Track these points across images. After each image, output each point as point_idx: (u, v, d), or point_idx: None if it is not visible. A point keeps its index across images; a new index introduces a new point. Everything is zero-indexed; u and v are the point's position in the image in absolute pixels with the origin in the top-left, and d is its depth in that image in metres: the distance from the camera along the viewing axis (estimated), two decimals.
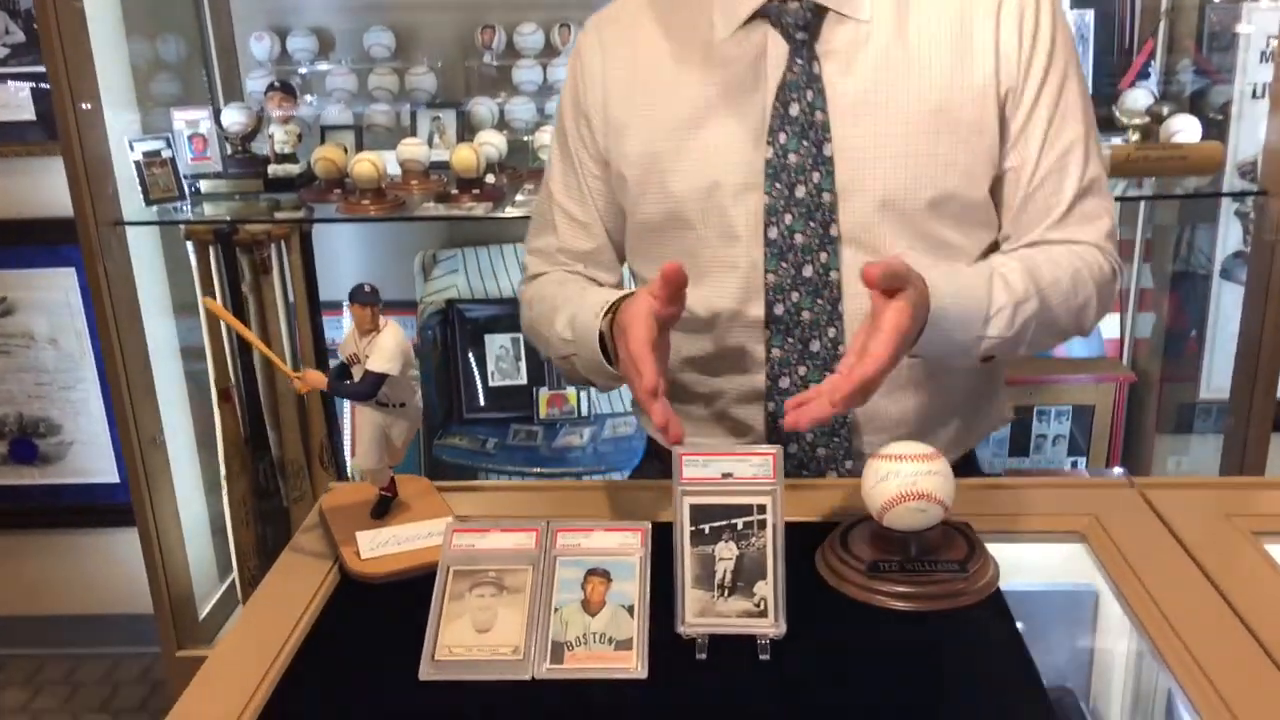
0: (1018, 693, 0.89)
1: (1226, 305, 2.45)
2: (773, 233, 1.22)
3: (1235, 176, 2.19)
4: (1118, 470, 2.44)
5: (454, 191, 2.10)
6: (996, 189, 1.25)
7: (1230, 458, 2.25)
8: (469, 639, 0.92)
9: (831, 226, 1.21)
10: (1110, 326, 2.55)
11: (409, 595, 1.00)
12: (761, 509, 0.94)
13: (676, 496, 0.95)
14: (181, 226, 2.21)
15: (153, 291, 2.31)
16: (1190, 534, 1.11)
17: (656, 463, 1.43)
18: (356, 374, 1.02)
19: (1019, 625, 0.97)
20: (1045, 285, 1.18)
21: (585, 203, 1.35)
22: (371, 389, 1.00)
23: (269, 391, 2.31)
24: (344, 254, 2.52)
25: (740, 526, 0.94)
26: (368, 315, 0.99)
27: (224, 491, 2.38)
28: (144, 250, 2.27)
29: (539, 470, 2.42)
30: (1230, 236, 2.45)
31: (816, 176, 1.20)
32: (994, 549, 1.06)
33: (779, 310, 1.24)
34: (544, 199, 1.40)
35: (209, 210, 2.22)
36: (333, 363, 1.07)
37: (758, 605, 0.93)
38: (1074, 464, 2.50)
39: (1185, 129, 2.13)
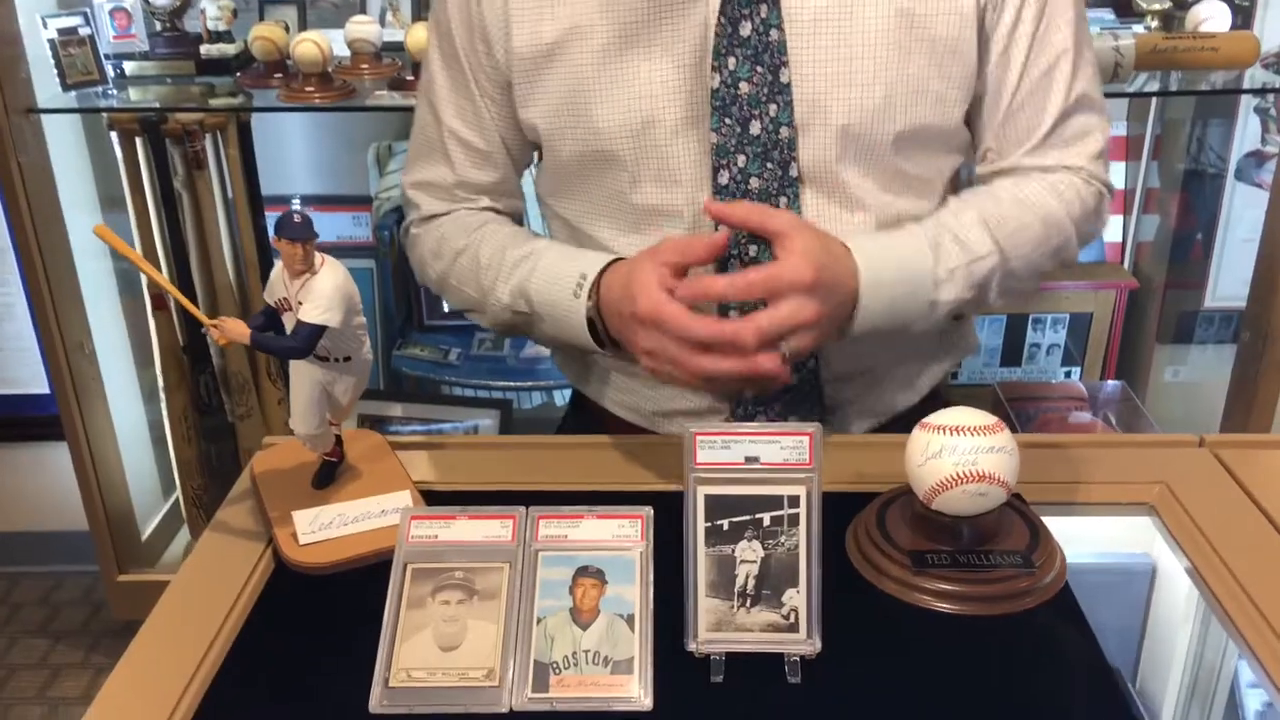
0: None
1: (1238, 208, 2.32)
2: (724, 177, 1.03)
3: (1258, 68, 2.02)
4: (1112, 383, 2.32)
5: (409, 77, 1.88)
6: (975, 108, 1.10)
7: (1244, 372, 2.12)
8: (432, 659, 0.75)
9: (791, 166, 1.03)
10: (1113, 230, 2.42)
11: (358, 593, 0.83)
12: (794, 501, 0.76)
13: (689, 486, 0.77)
14: (104, 114, 1.97)
15: (75, 186, 2.11)
16: (1273, 500, 0.95)
17: (585, 417, 1.25)
18: (288, 323, 0.83)
19: None
20: (1008, 234, 1.05)
21: (485, 128, 1.12)
22: (306, 343, 0.80)
23: (208, 297, 2.11)
24: (289, 145, 2.30)
25: (767, 523, 0.76)
26: (299, 253, 0.79)
27: (163, 405, 2.19)
28: (63, 141, 2.06)
29: (505, 384, 2.26)
30: (1247, 134, 2.29)
31: (773, 108, 1.01)
32: (1049, 523, 0.90)
33: (735, 267, 1.05)
34: (428, 122, 1.16)
35: (135, 96, 2.01)
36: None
37: (786, 618, 0.76)
38: (1067, 374, 2.39)
39: (1214, 16, 1.94)
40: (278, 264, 0.82)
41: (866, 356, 1.12)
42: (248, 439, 2.18)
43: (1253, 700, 1.05)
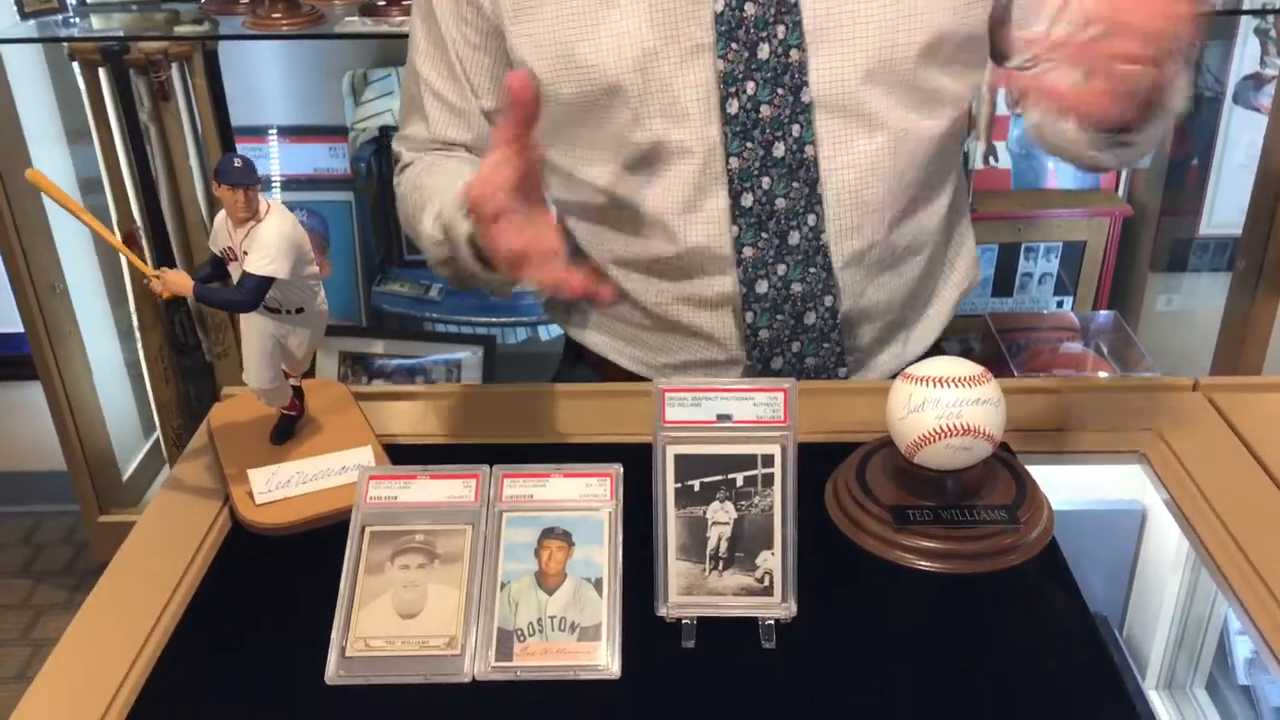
0: (1089, 683, 0.70)
1: (1235, 132, 2.26)
2: (733, 106, 0.98)
3: None
4: (1104, 313, 2.29)
5: (380, 2, 1.80)
6: (1003, 19, 1.03)
7: (1238, 301, 2.09)
8: (391, 627, 0.72)
9: (803, 90, 0.97)
10: None
11: (317, 555, 0.79)
12: (768, 460, 0.73)
13: (658, 445, 0.73)
14: (64, 44, 1.90)
15: (40, 118, 2.04)
16: (1266, 446, 0.92)
17: (585, 370, 1.21)
18: (235, 274, 0.78)
19: None
20: None
21: (458, 82, 1.07)
22: (253, 296, 0.76)
23: (180, 233, 2.05)
24: (259, 74, 2.22)
25: (740, 483, 0.73)
26: (241, 199, 0.74)
27: (139, 345, 2.15)
28: (25, 71, 1.99)
29: (488, 320, 2.21)
30: (1246, 56, 2.22)
31: (781, 29, 0.96)
32: (1036, 471, 0.86)
33: (748, 201, 1.00)
34: (409, 75, 1.11)
35: (97, 24, 1.94)
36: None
37: (761, 581, 0.73)
38: (1059, 304, 2.36)
39: None
40: (221, 211, 0.77)
41: (884, 289, 1.09)
42: (226, 379, 2.14)
43: (1242, 648, 1.03)
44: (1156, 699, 1.05)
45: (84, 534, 2.41)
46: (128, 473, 2.30)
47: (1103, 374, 2.10)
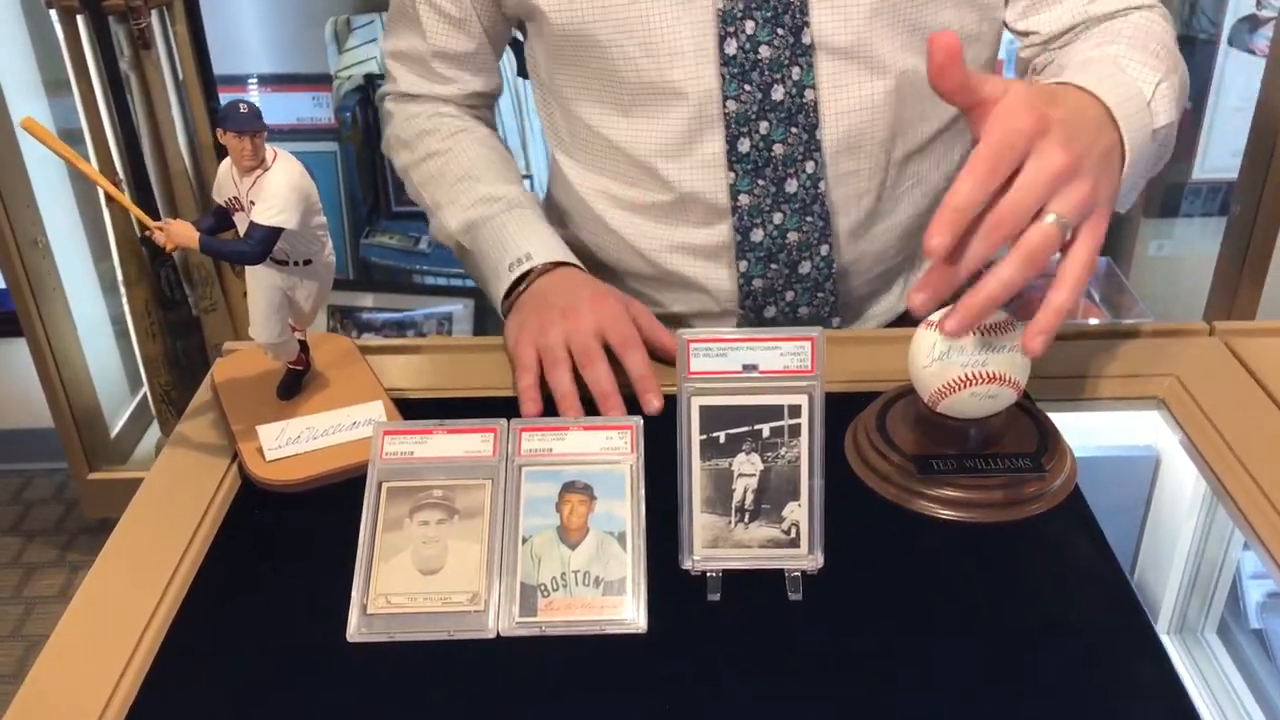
0: (1123, 633, 0.70)
1: (1230, 75, 2.23)
2: (731, 46, 0.95)
3: None
4: (1101, 259, 2.28)
5: None
6: None
7: (1234, 246, 2.08)
8: (412, 583, 0.71)
9: (803, 31, 0.95)
10: None
11: (331, 512, 0.77)
12: (795, 411, 0.71)
13: (682, 397, 0.72)
14: None
15: (17, 69, 2.00)
16: None
17: None
18: (241, 224, 0.76)
19: None
20: (1163, 57, 0.90)
21: None
22: (261, 248, 0.73)
23: (163, 184, 2.01)
24: (241, 21, 2.17)
25: (766, 434, 0.71)
26: (247, 147, 0.71)
27: (124, 300, 2.12)
28: (1, 21, 1.95)
29: None
30: None
31: None
32: (1053, 420, 0.86)
33: (744, 146, 0.98)
34: None
35: None
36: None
37: (787, 532, 0.71)
38: None
39: None
40: (226, 160, 0.74)
41: (879, 239, 1.07)
42: (214, 334, 2.11)
43: (1254, 592, 1.03)
44: (1168, 643, 1.04)
45: (73, 491, 2.39)
46: (115, 429, 2.28)
47: (1094, 320, 2.10)
